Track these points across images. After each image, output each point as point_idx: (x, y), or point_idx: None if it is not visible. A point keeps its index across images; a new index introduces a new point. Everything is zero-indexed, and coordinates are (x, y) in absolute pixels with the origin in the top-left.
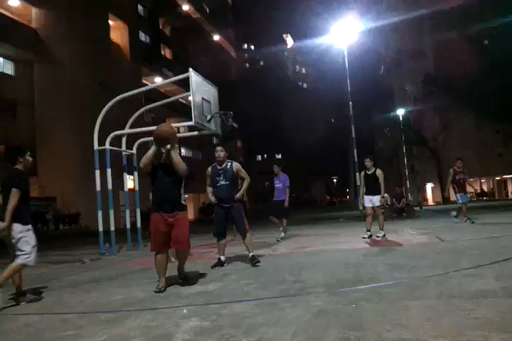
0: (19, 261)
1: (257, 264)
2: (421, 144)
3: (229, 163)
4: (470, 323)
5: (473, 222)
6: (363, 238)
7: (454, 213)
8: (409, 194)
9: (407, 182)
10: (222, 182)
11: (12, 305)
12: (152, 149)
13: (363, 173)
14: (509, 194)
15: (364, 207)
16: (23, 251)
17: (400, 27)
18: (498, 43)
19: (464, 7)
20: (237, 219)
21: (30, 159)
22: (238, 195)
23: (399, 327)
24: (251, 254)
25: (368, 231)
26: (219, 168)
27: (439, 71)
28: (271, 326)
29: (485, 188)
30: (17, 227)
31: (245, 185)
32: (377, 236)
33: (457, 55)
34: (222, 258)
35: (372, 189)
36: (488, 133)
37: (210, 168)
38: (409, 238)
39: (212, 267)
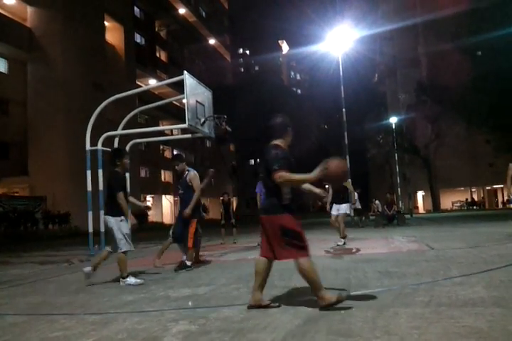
0: (119, 250)
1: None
2: (413, 152)
3: (187, 172)
4: (458, 332)
5: None
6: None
7: None
8: (400, 201)
9: (399, 189)
10: (180, 191)
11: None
12: (305, 178)
13: None
14: (499, 203)
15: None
16: (118, 239)
17: (395, 35)
18: (489, 54)
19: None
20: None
21: (128, 162)
22: (187, 211)
23: (387, 335)
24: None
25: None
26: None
27: (432, 80)
28: (259, 331)
29: (475, 197)
30: (110, 219)
31: (194, 198)
32: (338, 245)
33: (450, 64)
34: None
35: (339, 198)
36: (479, 143)
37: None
38: (399, 245)
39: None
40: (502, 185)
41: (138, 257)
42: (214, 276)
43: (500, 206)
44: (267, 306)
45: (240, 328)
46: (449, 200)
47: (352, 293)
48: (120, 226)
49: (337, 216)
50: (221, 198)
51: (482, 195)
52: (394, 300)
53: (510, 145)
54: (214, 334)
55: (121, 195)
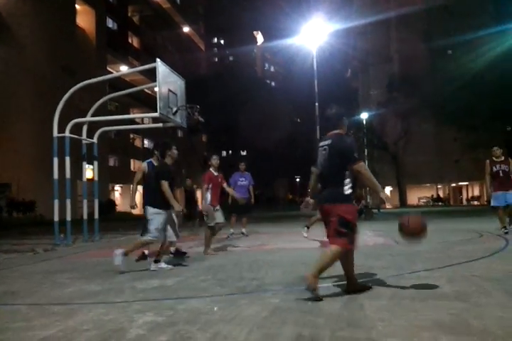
0: (144, 238)
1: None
2: (382, 148)
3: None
4: (421, 324)
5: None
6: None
7: None
8: (368, 196)
9: None
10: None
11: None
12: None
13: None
14: (463, 200)
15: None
16: (148, 229)
17: (368, 31)
18: (459, 53)
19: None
20: None
21: (176, 152)
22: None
23: (352, 326)
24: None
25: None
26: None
27: (403, 77)
28: (227, 323)
29: (441, 194)
30: (149, 210)
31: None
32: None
33: (421, 62)
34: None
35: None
36: (447, 141)
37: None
38: (366, 239)
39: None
40: (467, 183)
41: (104, 247)
42: (183, 268)
43: (465, 203)
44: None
45: (208, 320)
46: (416, 196)
47: (319, 285)
48: (157, 217)
49: None
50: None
51: (447, 192)
52: (360, 293)
53: (476, 143)
54: (181, 325)
55: (166, 184)
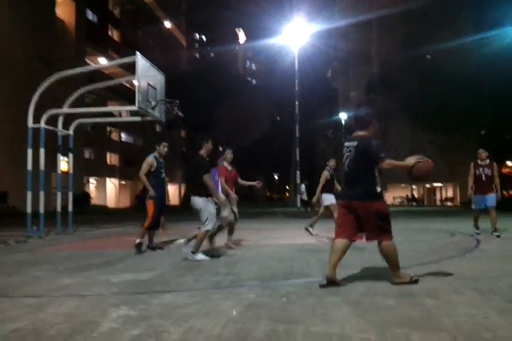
0: (203, 228)
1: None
2: None
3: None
4: (393, 321)
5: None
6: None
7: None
8: None
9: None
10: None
11: None
12: (404, 164)
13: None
14: (437, 201)
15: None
16: (203, 219)
17: (349, 32)
18: (437, 57)
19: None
20: None
21: (211, 145)
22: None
23: (326, 322)
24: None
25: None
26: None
27: (382, 79)
28: (201, 317)
29: (415, 194)
30: (197, 200)
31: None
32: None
33: (400, 64)
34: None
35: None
36: (423, 143)
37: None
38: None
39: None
40: (441, 184)
41: (78, 241)
42: (158, 262)
43: (438, 203)
44: (339, 284)
45: (182, 314)
46: (391, 196)
47: (294, 281)
48: (207, 206)
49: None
50: None
51: (422, 192)
52: (334, 289)
53: (450, 146)
54: (154, 319)
55: (207, 176)
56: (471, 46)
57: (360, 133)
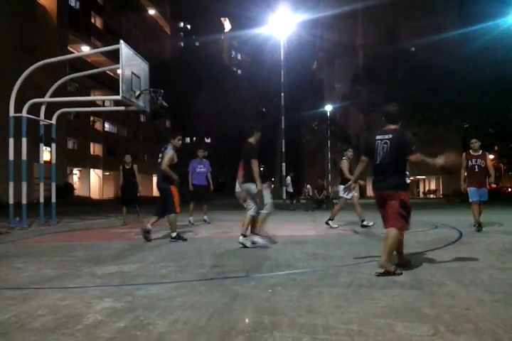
0: (251, 212)
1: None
2: (344, 140)
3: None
4: (376, 312)
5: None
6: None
7: None
8: (330, 187)
9: (329, 175)
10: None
11: None
12: (433, 161)
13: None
14: (420, 193)
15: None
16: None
17: (335, 24)
18: (421, 50)
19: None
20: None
21: (260, 135)
22: None
23: (311, 313)
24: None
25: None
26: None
27: (367, 71)
28: (187, 309)
29: None
30: (251, 186)
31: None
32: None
33: (385, 57)
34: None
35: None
36: None
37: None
38: (326, 229)
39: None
40: (424, 176)
41: (61, 232)
42: (143, 254)
43: (421, 196)
44: (394, 273)
45: (167, 306)
46: None
47: (279, 273)
48: (264, 191)
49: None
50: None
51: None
52: (318, 281)
53: (434, 138)
54: (140, 311)
55: (256, 162)
56: (456, 39)
57: (392, 126)
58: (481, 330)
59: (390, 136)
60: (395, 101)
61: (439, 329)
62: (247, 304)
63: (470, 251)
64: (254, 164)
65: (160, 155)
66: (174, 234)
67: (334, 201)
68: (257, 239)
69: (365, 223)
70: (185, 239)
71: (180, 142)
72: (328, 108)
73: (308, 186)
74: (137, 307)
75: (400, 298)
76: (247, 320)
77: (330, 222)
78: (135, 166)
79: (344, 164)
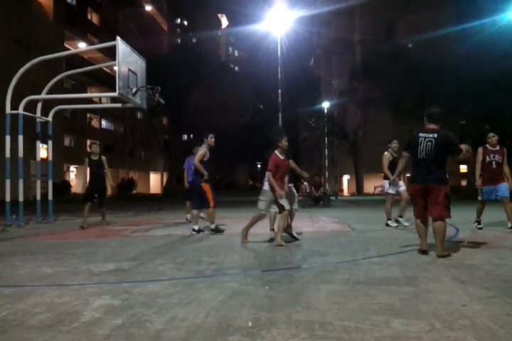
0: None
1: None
2: (342, 137)
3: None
4: (373, 308)
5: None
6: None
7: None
8: (326, 184)
9: (326, 172)
10: None
11: None
12: (465, 155)
13: None
14: None
15: None
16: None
17: (332, 20)
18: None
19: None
20: None
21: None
22: None
23: (308, 310)
24: None
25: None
26: None
27: (364, 68)
28: (184, 306)
29: None
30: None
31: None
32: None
33: (382, 54)
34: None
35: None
36: (403, 132)
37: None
38: (323, 225)
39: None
40: None
41: (58, 230)
42: (140, 251)
43: None
44: (449, 255)
45: (164, 303)
46: (372, 185)
47: (277, 270)
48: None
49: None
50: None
51: (403, 181)
52: (315, 277)
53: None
54: (137, 309)
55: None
56: (453, 35)
57: (433, 126)
58: (477, 326)
59: (435, 135)
60: (392, 98)
61: (435, 325)
62: (244, 301)
63: (466, 248)
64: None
65: (193, 152)
66: (213, 226)
67: (331, 198)
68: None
69: (400, 219)
70: (223, 231)
71: (213, 139)
72: (326, 104)
73: (306, 183)
74: (134, 304)
75: (396, 294)
76: (244, 317)
77: (401, 220)
78: (103, 157)
79: (386, 157)
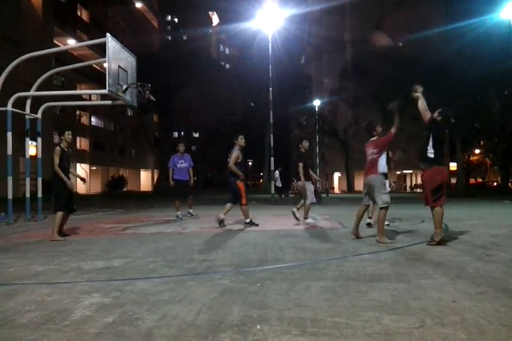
0: (307, 203)
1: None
2: (332, 135)
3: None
4: (364, 305)
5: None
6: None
7: None
8: (318, 181)
9: (317, 170)
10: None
11: None
12: None
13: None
14: (407, 187)
15: None
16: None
17: (323, 19)
18: (409, 45)
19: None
20: None
21: (307, 145)
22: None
23: (299, 306)
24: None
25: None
26: None
27: (355, 66)
28: (175, 304)
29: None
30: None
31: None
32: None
33: (372, 53)
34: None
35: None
36: None
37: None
38: (314, 223)
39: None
40: (411, 171)
41: (48, 227)
42: (130, 249)
43: (408, 190)
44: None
45: (156, 301)
46: (362, 182)
47: (268, 267)
48: (308, 187)
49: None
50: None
51: (393, 180)
52: (307, 274)
53: (421, 133)
54: (128, 306)
55: (301, 164)
56: (443, 35)
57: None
58: (467, 322)
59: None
60: (381, 97)
61: (425, 321)
62: (236, 298)
63: (456, 245)
64: (300, 166)
65: (228, 156)
66: (248, 220)
67: (322, 195)
68: (309, 220)
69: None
70: (257, 225)
71: (244, 140)
72: (317, 103)
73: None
74: (125, 302)
75: (387, 291)
76: (235, 314)
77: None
78: (69, 151)
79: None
